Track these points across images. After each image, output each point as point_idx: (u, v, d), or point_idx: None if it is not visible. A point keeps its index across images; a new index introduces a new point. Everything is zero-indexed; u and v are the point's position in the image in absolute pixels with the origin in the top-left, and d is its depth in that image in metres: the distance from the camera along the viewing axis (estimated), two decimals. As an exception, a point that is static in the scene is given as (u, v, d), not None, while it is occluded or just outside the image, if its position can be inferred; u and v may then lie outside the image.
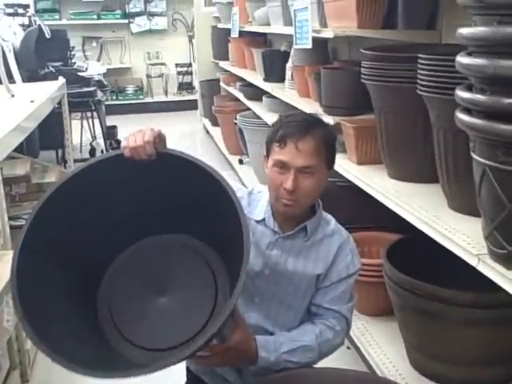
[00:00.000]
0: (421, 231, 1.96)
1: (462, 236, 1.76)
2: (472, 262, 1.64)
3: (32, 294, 1.35)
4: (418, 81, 1.94)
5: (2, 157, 2.37)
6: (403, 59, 2.13)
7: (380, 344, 2.48)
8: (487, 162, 1.41)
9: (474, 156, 1.48)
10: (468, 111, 1.45)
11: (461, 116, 1.46)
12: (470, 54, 1.38)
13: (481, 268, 1.60)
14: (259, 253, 1.60)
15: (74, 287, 1.49)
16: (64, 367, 1.25)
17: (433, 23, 2.73)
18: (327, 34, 2.92)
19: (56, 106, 4.92)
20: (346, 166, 2.71)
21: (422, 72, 1.92)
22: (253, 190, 1.68)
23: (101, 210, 1.52)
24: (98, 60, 9.52)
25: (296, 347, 1.55)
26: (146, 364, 1.30)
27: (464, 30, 1.36)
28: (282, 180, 1.51)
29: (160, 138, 1.43)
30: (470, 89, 1.46)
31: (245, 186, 1.71)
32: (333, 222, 1.67)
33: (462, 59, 1.39)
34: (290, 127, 1.51)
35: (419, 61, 1.94)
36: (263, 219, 1.62)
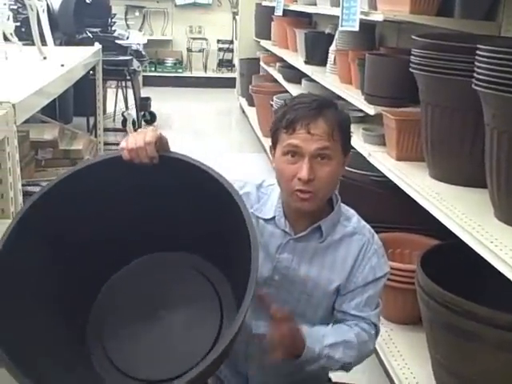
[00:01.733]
0: (461, 240, 1.79)
1: (510, 252, 1.57)
2: (518, 282, 1.46)
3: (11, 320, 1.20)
4: (475, 74, 1.76)
5: (21, 120, 2.24)
6: (460, 49, 1.96)
7: (404, 356, 2.31)
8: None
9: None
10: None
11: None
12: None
13: (528, 290, 1.42)
14: (268, 256, 1.44)
15: (59, 309, 1.33)
16: None
17: (492, 14, 2.53)
18: (376, 17, 2.74)
19: (90, 72, 4.82)
20: (383, 160, 2.55)
21: (480, 65, 1.73)
22: (263, 183, 1.51)
23: (95, 220, 1.37)
24: (140, 30, 9.41)
25: (339, 341, 1.39)
26: None
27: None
28: (295, 170, 1.34)
29: (162, 140, 1.29)
30: None
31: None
32: (355, 218, 1.49)
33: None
34: (299, 110, 1.34)
35: (479, 52, 1.75)
36: (273, 218, 1.45)
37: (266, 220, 1.46)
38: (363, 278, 1.44)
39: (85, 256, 1.36)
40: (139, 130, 1.32)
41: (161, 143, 1.28)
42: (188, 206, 1.37)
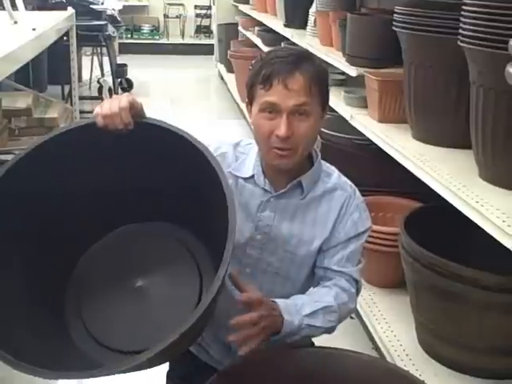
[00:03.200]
0: (446, 201, 1.76)
1: (496, 211, 1.55)
2: (506, 242, 1.45)
3: None
4: (461, 31, 1.71)
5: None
6: (444, 6, 1.91)
7: (388, 319, 2.30)
8: (541, 128, 1.19)
9: (525, 120, 1.26)
10: (523, 66, 1.24)
11: (513, 71, 1.24)
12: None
13: (515, 250, 1.40)
14: (249, 216, 1.40)
15: (36, 281, 1.28)
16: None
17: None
18: (357, -25, 2.66)
19: (64, 39, 4.69)
20: (366, 122, 2.51)
21: (466, 20, 1.68)
22: (240, 142, 1.47)
23: (72, 188, 1.31)
24: (115, -5, 9.20)
25: (318, 309, 1.35)
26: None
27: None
28: (273, 127, 1.30)
29: (136, 106, 1.23)
30: None
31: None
32: (335, 174, 1.46)
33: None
34: (275, 65, 1.29)
35: (464, 7, 1.69)
36: (252, 176, 1.41)
37: (245, 179, 1.41)
38: (345, 233, 1.41)
39: (62, 227, 1.32)
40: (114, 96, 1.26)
41: (135, 109, 1.23)
42: (164, 173, 1.32)
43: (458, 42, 1.72)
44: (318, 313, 1.34)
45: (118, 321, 1.32)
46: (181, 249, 1.38)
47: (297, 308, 1.33)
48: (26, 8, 5.13)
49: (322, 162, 1.46)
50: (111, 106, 1.21)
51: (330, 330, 1.40)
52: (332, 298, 1.37)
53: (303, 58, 1.31)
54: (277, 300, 1.31)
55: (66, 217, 1.32)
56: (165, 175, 1.32)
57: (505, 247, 1.45)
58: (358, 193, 1.45)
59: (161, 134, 1.24)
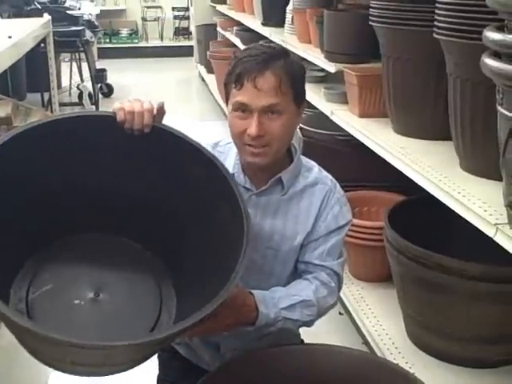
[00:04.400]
0: (428, 193, 1.77)
1: (478, 201, 1.56)
2: (489, 231, 1.45)
3: None
4: (436, 23, 1.72)
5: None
6: (419, -1, 1.90)
7: (376, 313, 2.31)
8: (518, 116, 1.21)
9: (501, 110, 1.29)
10: (498, 56, 1.25)
11: (488, 61, 1.26)
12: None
13: (498, 239, 1.42)
14: None
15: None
16: None
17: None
18: (332, -28, 2.66)
19: (42, 45, 4.66)
20: (346, 118, 2.52)
21: (440, 12, 1.69)
22: (219, 142, 1.48)
23: (61, 173, 1.27)
24: (92, 0, 9.14)
25: (295, 302, 1.36)
26: None
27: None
28: (245, 125, 1.30)
29: (161, 111, 1.27)
30: (501, 30, 1.26)
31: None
32: (316, 169, 1.46)
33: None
34: (246, 63, 1.29)
35: (438, 0, 1.70)
36: (232, 175, 1.40)
37: None
38: (326, 227, 1.42)
39: (42, 209, 1.27)
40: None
41: (159, 114, 1.26)
42: (160, 184, 1.32)
43: (434, 35, 1.73)
44: (295, 306, 1.35)
45: (66, 324, 1.25)
46: (144, 267, 1.36)
47: (274, 301, 1.34)
48: (2, 16, 5.10)
49: (302, 157, 1.46)
50: (135, 104, 1.23)
51: (308, 324, 1.41)
52: (311, 291, 1.38)
53: (276, 55, 1.31)
54: (254, 292, 1.32)
55: (41, 205, 1.26)
56: (158, 185, 1.31)
57: (488, 236, 1.46)
58: (338, 186, 1.46)
59: (173, 144, 1.25)
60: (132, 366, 1.15)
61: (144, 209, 1.33)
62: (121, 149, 1.26)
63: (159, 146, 1.26)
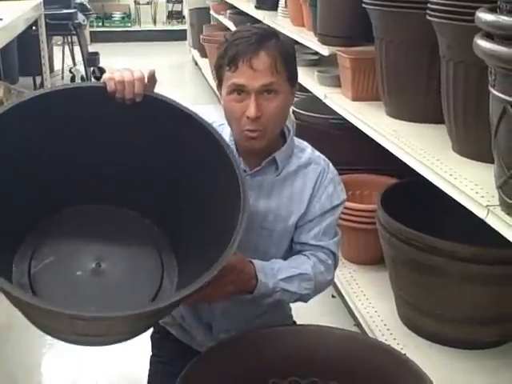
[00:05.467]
0: (420, 176, 1.78)
1: (470, 184, 1.57)
2: (480, 213, 1.46)
3: None
4: (429, 5, 1.72)
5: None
6: (412, -20, 1.90)
7: (368, 296, 2.32)
8: (509, 98, 1.22)
9: (494, 91, 1.29)
10: (490, 37, 1.25)
11: (481, 42, 1.27)
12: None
13: (490, 220, 1.43)
14: None
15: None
16: None
17: None
18: (326, -47, 2.63)
19: (33, 28, 4.63)
20: (339, 101, 2.52)
21: (433, -6, 1.68)
22: (213, 123, 1.46)
23: (56, 147, 1.26)
24: (84, -17, 9.07)
25: (294, 275, 1.37)
26: None
27: None
28: (243, 108, 1.30)
29: (152, 80, 1.25)
30: (494, 11, 1.26)
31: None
32: (309, 149, 1.47)
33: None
34: (240, 45, 1.29)
35: (431, -19, 1.70)
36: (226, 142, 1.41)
37: None
38: (320, 207, 1.42)
39: (40, 183, 1.27)
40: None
41: (151, 82, 1.24)
42: (155, 154, 1.31)
43: (427, 17, 1.73)
44: (293, 278, 1.36)
45: (70, 294, 1.27)
46: (145, 237, 1.37)
47: (273, 272, 1.35)
48: (-7, -2, 5.04)
49: (295, 138, 1.46)
50: (125, 74, 1.21)
51: (304, 298, 1.42)
52: (309, 266, 1.39)
53: (267, 36, 1.31)
54: (254, 261, 1.33)
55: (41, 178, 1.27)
56: (155, 156, 1.31)
57: (480, 218, 1.46)
58: (331, 166, 1.46)
59: (166, 113, 1.24)
60: (136, 334, 1.17)
61: (142, 178, 1.33)
62: (114, 119, 1.25)
63: (152, 114, 1.25)
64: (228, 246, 1.13)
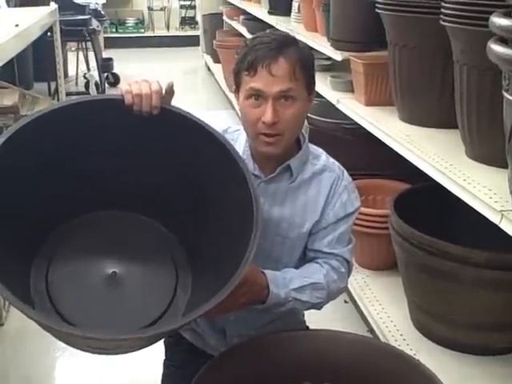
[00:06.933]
0: (433, 181, 1.78)
1: (483, 189, 1.56)
2: (494, 218, 1.46)
3: None
4: (443, 10, 1.72)
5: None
6: (425, -15, 1.90)
7: (381, 301, 2.32)
8: (523, 103, 1.21)
9: (507, 96, 1.29)
10: (504, 42, 1.25)
11: (495, 47, 1.26)
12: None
13: (504, 226, 1.42)
14: None
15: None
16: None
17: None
18: (339, -41, 2.64)
19: (48, 34, 4.66)
20: (353, 106, 2.52)
21: (447, -1, 1.68)
22: (228, 129, 1.47)
23: (71, 158, 1.27)
24: (98, -11, 9.13)
25: (306, 284, 1.37)
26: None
27: None
28: (259, 113, 1.31)
29: (170, 92, 1.25)
30: (508, 16, 1.26)
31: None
32: (323, 156, 1.47)
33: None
34: (259, 51, 1.30)
35: (445, -14, 1.70)
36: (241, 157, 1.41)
37: None
38: (334, 215, 1.42)
39: (59, 191, 1.29)
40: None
41: (168, 94, 1.25)
42: (168, 164, 1.32)
43: (441, 21, 1.72)
44: (305, 288, 1.36)
45: (86, 301, 1.30)
46: (159, 244, 1.38)
47: (285, 281, 1.35)
48: (9, 4, 5.10)
49: (310, 144, 1.46)
50: (142, 86, 1.21)
51: (317, 306, 1.42)
52: (322, 275, 1.39)
53: (287, 42, 1.31)
54: (266, 271, 1.33)
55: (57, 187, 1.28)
56: (169, 166, 1.32)
57: (493, 223, 1.46)
58: (346, 174, 1.46)
59: (182, 126, 1.25)
60: (147, 346, 1.18)
61: (158, 187, 1.34)
62: (131, 131, 1.25)
63: (169, 127, 1.25)
64: (241, 264, 1.13)
